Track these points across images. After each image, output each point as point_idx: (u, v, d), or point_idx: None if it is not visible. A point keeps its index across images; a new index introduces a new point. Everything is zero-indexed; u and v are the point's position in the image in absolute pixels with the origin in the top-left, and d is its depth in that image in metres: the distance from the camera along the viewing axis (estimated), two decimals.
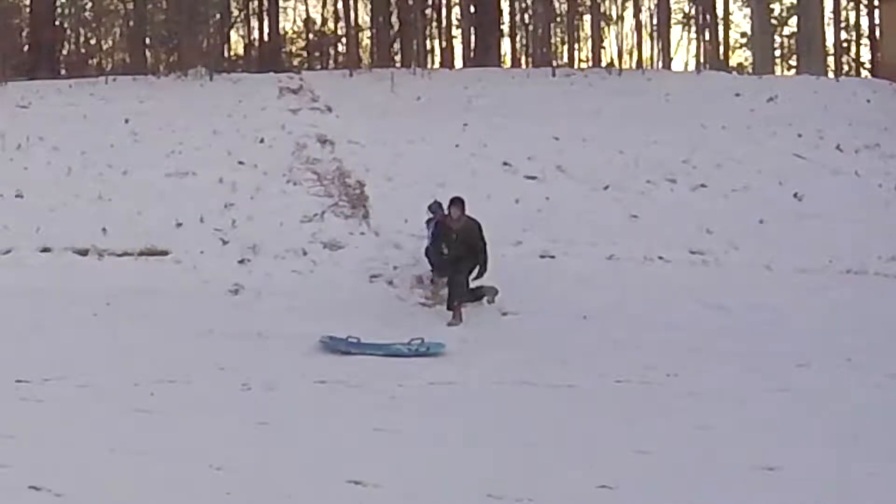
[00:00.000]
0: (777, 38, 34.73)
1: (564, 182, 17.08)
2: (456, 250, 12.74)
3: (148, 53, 30.03)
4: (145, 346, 10.88)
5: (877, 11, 30.54)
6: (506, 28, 32.65)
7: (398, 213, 15.10)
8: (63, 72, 27.35)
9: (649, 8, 31.74)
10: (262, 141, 18.18)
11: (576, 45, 30.25)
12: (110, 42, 33.14)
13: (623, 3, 33.16)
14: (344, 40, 32.42)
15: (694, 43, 34.02)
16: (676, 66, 32.36)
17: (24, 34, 29.31)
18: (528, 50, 32.60)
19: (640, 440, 7.59)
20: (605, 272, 14.16)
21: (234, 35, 34.77)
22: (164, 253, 14.42)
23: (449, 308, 12.70)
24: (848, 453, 7.47)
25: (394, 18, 33.09)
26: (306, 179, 16.86)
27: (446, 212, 13.09)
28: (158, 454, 6.78)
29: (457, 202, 13.03)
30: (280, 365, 10.28)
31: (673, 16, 32.81)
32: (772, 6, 32.76)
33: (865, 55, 33.98)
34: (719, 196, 16.93)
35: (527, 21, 32.85)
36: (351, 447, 7.32)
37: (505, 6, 32.02)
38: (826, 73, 26.77)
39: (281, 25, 34.31)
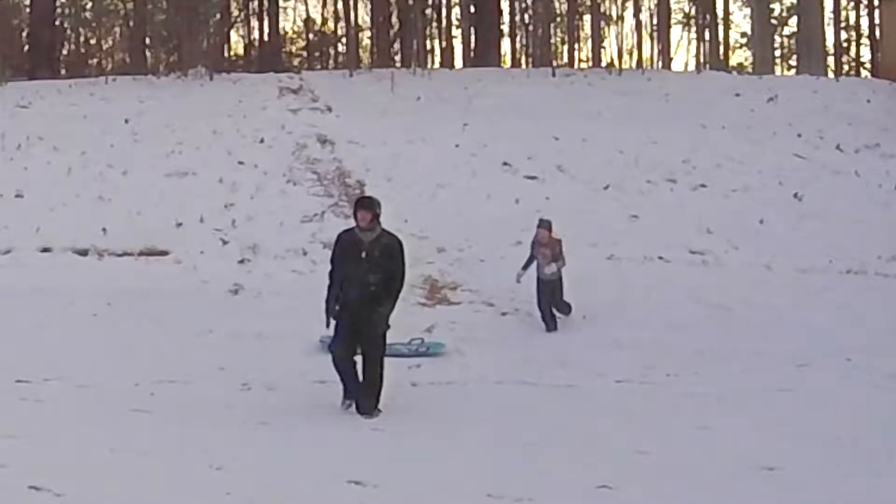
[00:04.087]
0: (777, 38, 34.77)
1: (564, 182, 17.08)
2: (365, 276, 8.32)
3: (148, 53, 30.11)
4: (145, 346, 10.87)
5: (877, 11, 30.57)
6: (506, 28, 32.74)
7: (398, 213, 15.06)
8: (63, 72, 27.42)
9: (649, 8, 31.83)
10: (262, 141, 18.19)
11: (576, 45, 30.37)
12: (110, 42, 33.21)
13: (623, 3, 33.24)
14: (344, 40, 32.49)
15: (694, 43, 34.12)
16: (676, 66, 32.48)
17: (24, 34, 29.38)
18: (528, 50, 32.66)
19: (640, 440, 7.58)
20: (605, 272, 14.15)
21: (234, 35, 34.91)
22: (164, 253, 14.43)
23: (365, 409, 8.40)
24: (848, 453, 7.46)
25: (394, 18, 33.16)
26: (306, 179, 16.87)
27: (355, 220, 8.53)
28: (158, 454, 6.77)
29: (364, 203, 8.64)
30: (280, 365, 10.26)
31: (673, 16, 32.89)
32: (772, 6, 32.80)
33: (865, 55, 34.06)
34: (719, 196, 16.93)
35: (527, 21, 32.91)
36: (351, 447, 7.32)
37: (505, 6, 32.13)
38: (826, 73, 26.82)
39: (281, 25, 34.43)
